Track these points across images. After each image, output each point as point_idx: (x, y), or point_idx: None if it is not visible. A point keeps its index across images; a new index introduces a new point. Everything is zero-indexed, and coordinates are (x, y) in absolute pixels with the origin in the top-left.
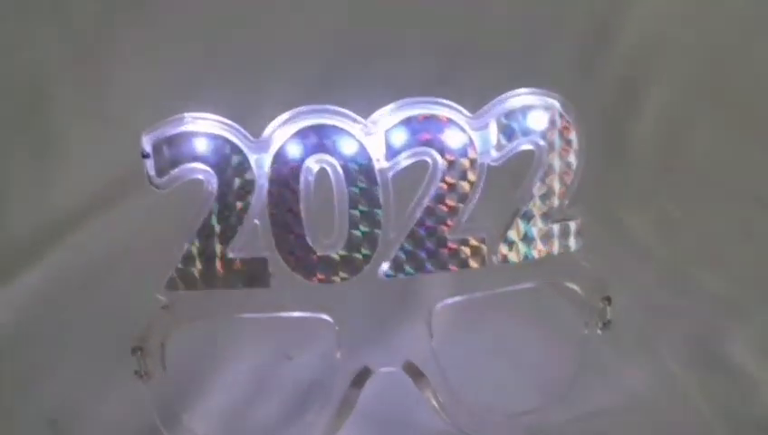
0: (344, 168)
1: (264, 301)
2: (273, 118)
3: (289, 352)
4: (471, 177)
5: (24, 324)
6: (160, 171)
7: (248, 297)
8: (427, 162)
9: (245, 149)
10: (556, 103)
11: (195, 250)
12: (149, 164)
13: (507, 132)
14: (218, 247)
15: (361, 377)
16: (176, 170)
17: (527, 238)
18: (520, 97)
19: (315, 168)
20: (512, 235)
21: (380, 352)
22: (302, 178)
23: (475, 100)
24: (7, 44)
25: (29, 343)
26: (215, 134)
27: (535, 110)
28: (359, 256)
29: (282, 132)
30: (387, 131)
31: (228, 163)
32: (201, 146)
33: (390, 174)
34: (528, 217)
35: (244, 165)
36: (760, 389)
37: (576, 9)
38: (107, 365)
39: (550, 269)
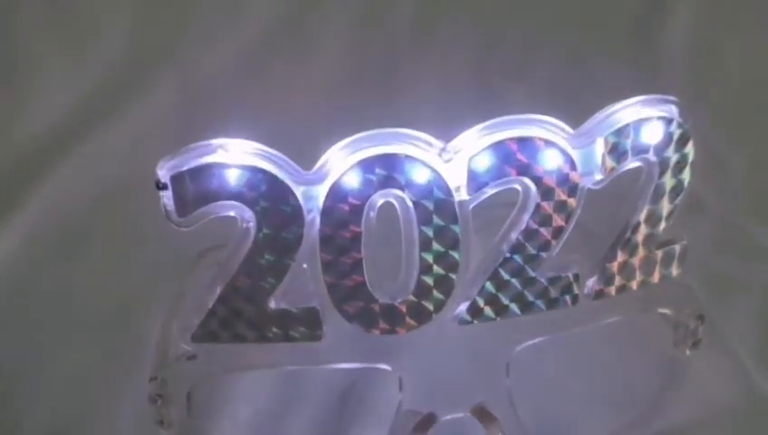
0: (416, 203)
1: (313, 352)
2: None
3: None
4: (570, 205)
5: None
6: (182, 209)
7: (294, 346)
8: (516, 190)
9: (290, 182)
10: (675, 111)
11: (228, 297)
12: (167, 196)
13: (617, 152)
14: (258, 296)
15: (425, 424)
16: (202, 209)
17: (627, 270)
18: (630, 108)
19: (380, 203)
20: (610, 267)
21: (449, 396)
22: (363, 217)
23: None
24: None
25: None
26: (251, 166)
27: (651, 122)
28: (430, 303)
29: (339, 163)
30: (471, 159)
31: (268, 198)
32: (233, 180)
33: (471, 206)
34: (630, 247)
35: (288, 199)
36: None
37: None
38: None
39: (644, 298)
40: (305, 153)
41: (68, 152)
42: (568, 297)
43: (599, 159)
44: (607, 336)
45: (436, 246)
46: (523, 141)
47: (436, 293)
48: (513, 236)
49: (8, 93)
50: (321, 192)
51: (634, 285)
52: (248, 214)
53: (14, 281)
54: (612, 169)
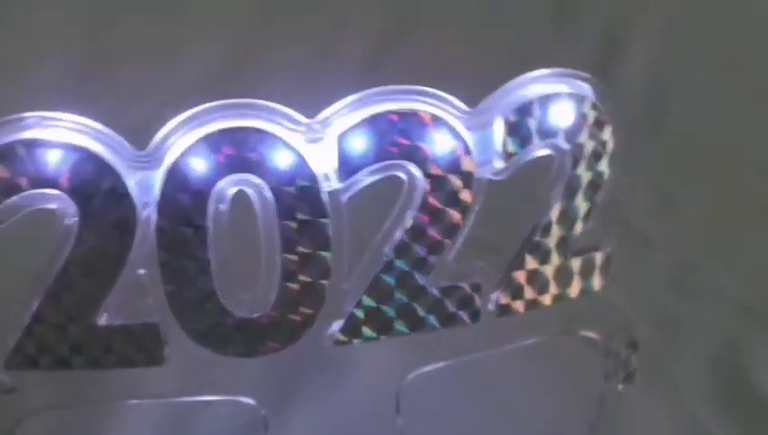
0: (276, 192)
1: (157, 382)
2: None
3: None
4: (465, 198)
5: None
6: None
7: (135, 375)
8: (400, 179)
9: (120, 166)
10: (588, 89)
11: (47, 312)
12: None
13: (519, 135)
14: (83, 310)
15: None
16: (14, 198)
17: (538, 280)
18: (538, 84)
19: (231, 192)
20: (518, 277)
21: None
22: (210, 209)
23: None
24: None
25: None
26: (73, 145)
27: (559, 100)
28: (296, 317)
29: (180, 140)
30: (341, 137)
31: (94, 187)
32: (52, 162)
33: (345, 198)
34: (541, 252)
35: (117, 189)
36: None
37: None
38: None
39: (563, 317)
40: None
41: None
42: (467, 312)
43: (498, 144)
44: (522, 365)
45: (301, 245)
46: (405, 117)
47: (302, 306)
48: (398, 235)
49: None
50: (158, 180)
51: (547, 299)
52: (71, 207)
53: None
54: (514, 154)
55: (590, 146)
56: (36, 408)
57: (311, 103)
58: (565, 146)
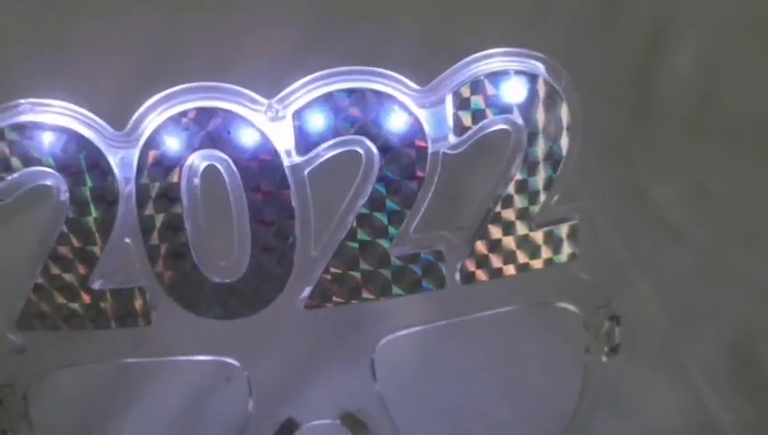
0: (241, 166)
1: (147, 342)
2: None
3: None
4: (419, 172)
5: None
6: None
7: (128, 337)
8: (358, 153)
9: (103, 145)
10: (540, 67)
11: (48, 279)
12: None
13: (470, 110)
14: (79, 276)
15: (285, 431)
16: (14, 175)
17: (501, 250)
18: (487, 61)
19: (201, 166)
20: (480, 246)
21: (307, 400)
22: (183, 182)
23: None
24: None
25: None
26: (61, 126)
27: (510, 77)
28: (268, 283)
29: (153, 120)
30: (297, 114)
31: (81, 164)
32: (43, 143)
33: (307, 171)
34: (502, 222)
35: (100, 165)
36: None
37: None
38: None
39: (533, 287)
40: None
41: None
42: (432, 279)
43: (450, 119)
44: (500, 332)
45: (268, 215)
46: (357, 94)
47: (272, 272)
48: (359, 205)
49: None
50: (136, 156)
51: (512, 268)
52: (63, 183)
53: None
54: (468, 128)
55: (545, 121)
56: (45, 367)
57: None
58: (519, 121)
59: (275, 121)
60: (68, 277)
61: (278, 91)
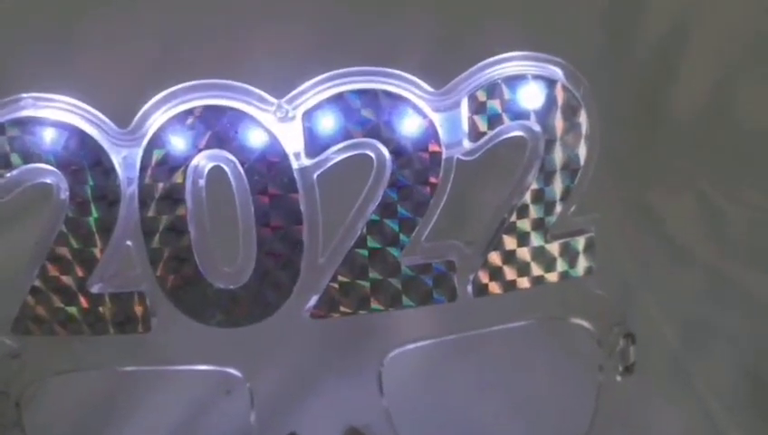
0: (248, 168)
1: (146, 349)
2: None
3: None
4: (432, 178)
5: None
6: None
7: (126, 344)
8: (369, 157)
9: (106, 143)
10: (559, 72)
11: (46, 281)
12: None
13: (487, 115)
14: (77, 278)
15: None
16: (13, 173)
17: (515, 261)
18: (506, 65)
19: (207, 167)
20: (494, 257)
21: (311, 413)
22: (188, 183)
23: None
24: None
25: None
26: (63, 122)
27: (528, 82)
28: (273, 290)
29: (158, 118)
30: (307, 115)
31: (82, 162)
32: (44, 140)
33: (316, 175)
34: (518, 232)
35: (103, 164)
36: None
37: None
38: None
39: (548, 301)
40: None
41: None
42: (443, 291)
43: (465, 124)
44: (512, 347)
45: (275, 219)
46: (369, 96)
47: (278, 279)
48: (370, 211)
49: None
50: (139, 156)
51: (526, 281)
52: (63, 181)
53: None
54: (483, 133)
55: (563, 128)
56: (39, 373)
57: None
58: (537, 128)
59: (285, 122)
60: (66, 280)
61: (288, 91)
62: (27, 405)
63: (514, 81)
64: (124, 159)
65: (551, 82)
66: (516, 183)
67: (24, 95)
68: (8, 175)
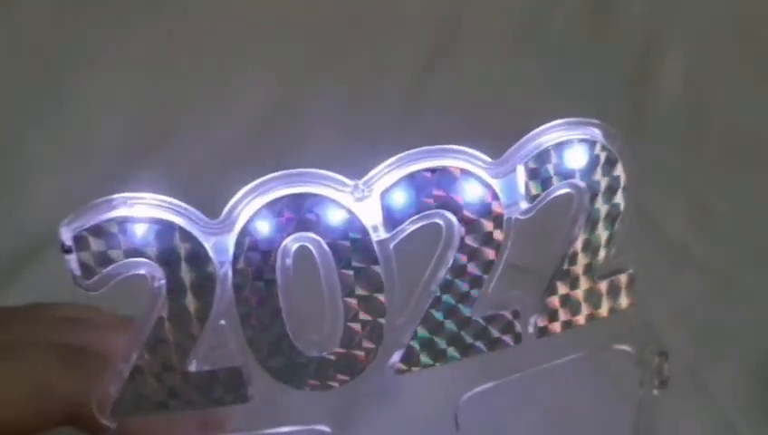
0: (332, 246)
1: (243, 416)
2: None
3: None
4: (497, 237)
5: None
6: (88, 271)
7: (224, 413)
8: (438, 225)
9: (198, 233)
10: (597, 133)
11: (145, 363)
12: (72, 260)
13: (540, 178)
14: (175, 360)
15: None
16: (108, 268)
17: (570, 303)
18: (552, 133)
19: (294, 247)
20: (551, 302)
21: None
22: (278, 264)
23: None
24: None
25: None
26: (156, 218)
27: (573, 145)
28: (360, 352)
29: (246, 207)
30: (384, 193)
31: (176, 253)
32: (138, 235)
33: (392, 245)
34: (570, 278)
35: (198, 253)
36: None
37: None
38: None
39: (597, 333)
40: (219, 204)
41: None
42: (510, 336)
43: (521, 188)
44: (566, 379)
45: (359, 289)
46: (438, 172)
47: (365, 341)
48: (442, 273)
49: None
50: (231, 243)
51: (581, 319)
52: (158, 271)
53: None
54: (537, 195)
55: (604, 182)
56: None
57: (354, 141)
58: (582, 184)
59: (362, 201)
60: (164, 362)
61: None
62: None
63: (561, 146)
64: (214, 246)
65: (592, 143)
66: (566, 234)
67: (116, 196)
68: (104, 271)
